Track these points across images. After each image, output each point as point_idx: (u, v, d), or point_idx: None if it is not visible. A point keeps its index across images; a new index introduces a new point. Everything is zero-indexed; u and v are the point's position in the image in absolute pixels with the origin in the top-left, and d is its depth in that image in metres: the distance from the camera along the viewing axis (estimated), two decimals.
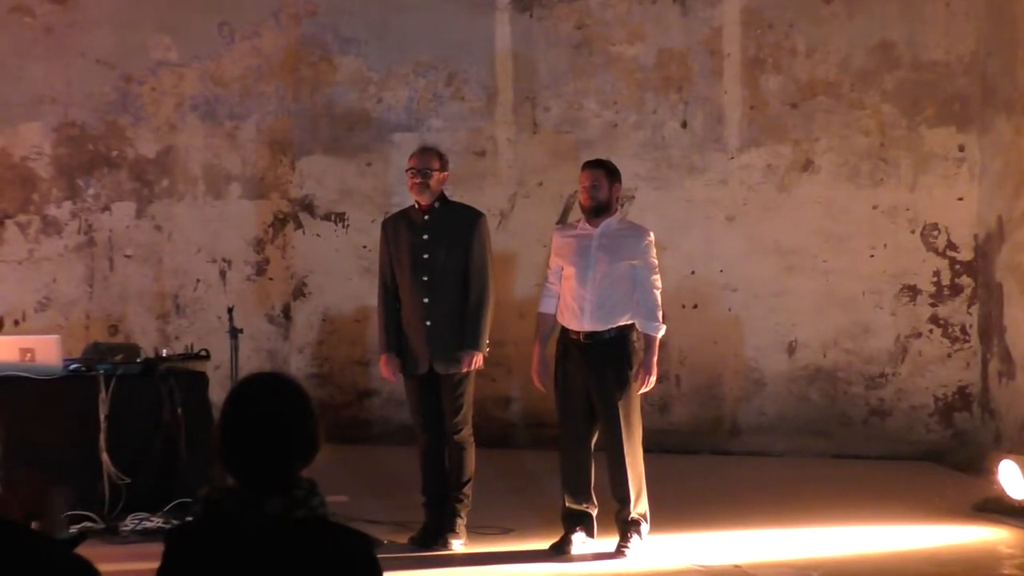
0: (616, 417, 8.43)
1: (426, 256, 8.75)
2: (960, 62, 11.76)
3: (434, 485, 8.88)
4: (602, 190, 8.54)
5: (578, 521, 8.59)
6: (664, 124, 12.32)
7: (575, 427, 8.58)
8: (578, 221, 8.84)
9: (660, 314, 8.58)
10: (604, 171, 8.64)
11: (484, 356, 8.80)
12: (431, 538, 8.72)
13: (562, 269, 8.63)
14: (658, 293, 8.56)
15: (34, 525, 3.67)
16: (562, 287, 8.65)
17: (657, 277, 8.59)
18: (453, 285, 8.72)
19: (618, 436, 8.44)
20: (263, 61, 12.95)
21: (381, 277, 8.99)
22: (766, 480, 10.87)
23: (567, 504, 8.64)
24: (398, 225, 8.97)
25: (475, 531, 8.96)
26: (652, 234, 8.74)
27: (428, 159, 8.90)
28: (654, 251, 8.61)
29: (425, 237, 8.78)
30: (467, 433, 8.92)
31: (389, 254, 8.92)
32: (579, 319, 8.50)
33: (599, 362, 8.46)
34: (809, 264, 12.01)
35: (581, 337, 8.50)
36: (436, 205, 8.84)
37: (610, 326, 8.47)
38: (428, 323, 8.73)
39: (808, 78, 12.05)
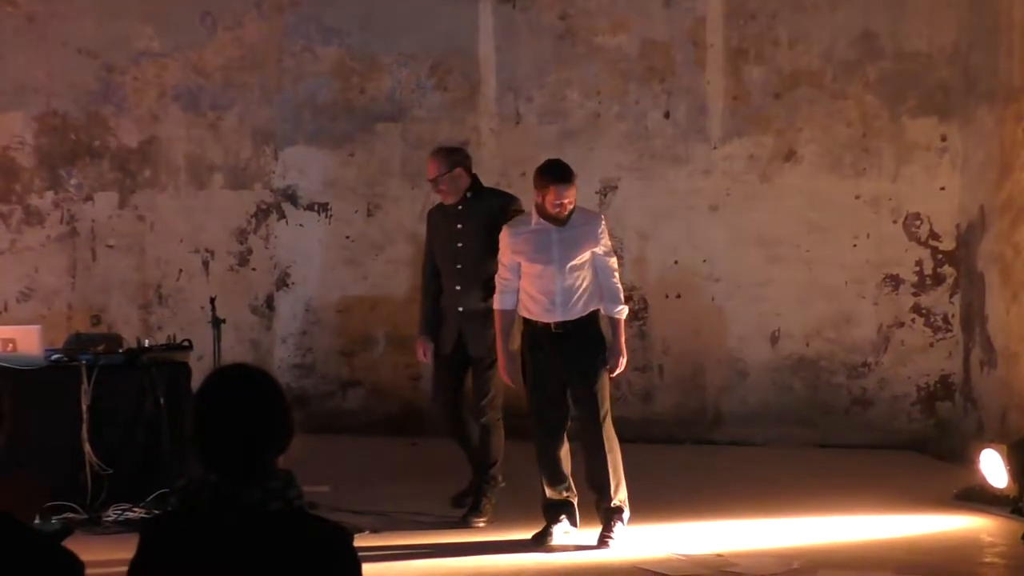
0: (593, 403, 8.48)
1: (459, 244, 9.12)
2: (942, 53, 11.78)
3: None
4: (573, 203, 8.56)
5: (560, 510, 8.61)
6: (647, 114, 12.32)
7: (550, 417, 8.58)
8: (528, 216, 8.74)
9: (622, 296, 8.70)
10: (575, 185, 8.59)
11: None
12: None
13: (519, 265, 8.59)
14: (617, 276, 8.69)
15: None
16: (523, 283, 8.61)
17: (614, 259, 8.75)
18: (486, 271, 8.97)
19: (596, 422, 8.47)
20: (246, 51, 12.93)
21: (424, 263, 9.50)
22: (749, 470, 10.89)
23: (548, 495, 8.65)
24: (437, 215, 9.38)
25: (449, 521, 9.02)
26: (603, 217, 8.90)
27: (433, 168, 9.20)
28: (607, 234, 8.69)
29: (459, 226, 9.13)
30: (494, 416, 9.20)
31: (431, 242, 9.39)
32: (550, 312, 8.50)
33: (571, 349, 8.49)
34: (792, 254, 12.03)
35: (552, 327, 8.50)
36: (468, 195, 9.15)
37: (581, 315, 8.51)
38: (460, 309, 9.13)
39: (791, 69, 12.06)
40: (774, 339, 12.08)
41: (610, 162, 12.33)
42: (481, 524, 9.02)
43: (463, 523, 9.00)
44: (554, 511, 8.61)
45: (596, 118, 12.41)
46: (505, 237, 8.67)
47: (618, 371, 8.62)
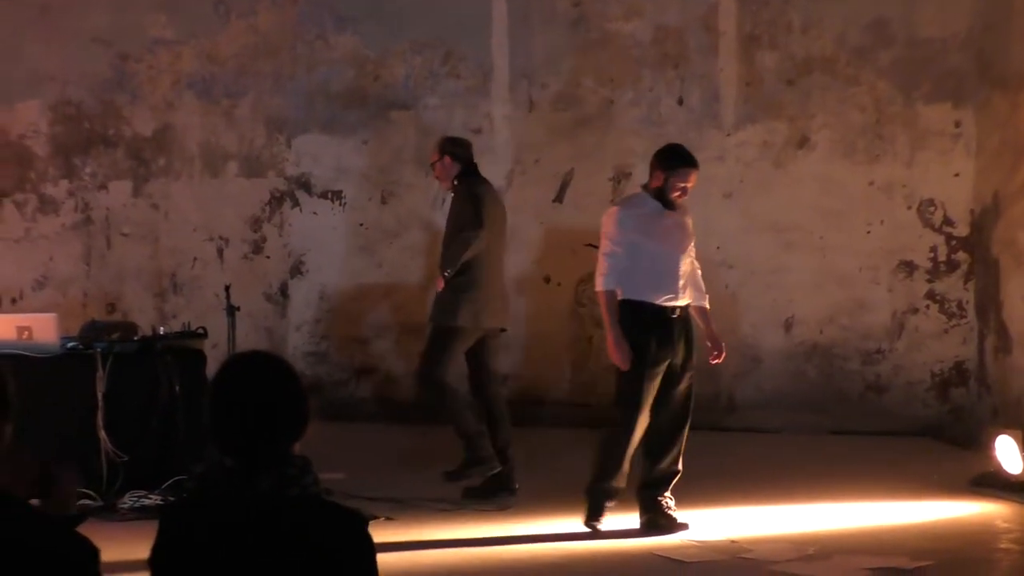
0: (690, 390, 8.55)
1: (446, 228, 9.62)
2: (955, 38, 11.76)
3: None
4: None
5: (616, 496, 8.58)
6: (660, 101, 12.31)
7: (651, 403, 8.51)
8: (635, 196, 8.71)
9: None
10: None
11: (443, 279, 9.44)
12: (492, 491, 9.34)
13: (637, 246, 8.47)
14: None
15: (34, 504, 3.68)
16: (641, 263, 8.45)
17: None
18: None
19: (688, 410, 8.54)
20: (260, 39, 12.94)
21: None
22: (763, 456, 10.89)
23: (616, 482, 8.56)
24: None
25: (464, 508, 9.05)
26: None
27: (432, 155, 9.79)
28: None
29: (448, 212, 9.67)
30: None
31: None
32: (673, 297, 8.47)
33: (680, 336, 8.48)
34: (806, 241, 12.02)
35: (676, 312, 8.49)
36: (455, 183, 9.60)
37: (687, 302, 8.56)
38: (440, 287, 9.50)
39: (804, 55, 12.05)
40: (788, 326, 12.08)
41: (624, 149, 12.32)
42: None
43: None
44: (613, 496, 8.55)
45: (610, 105, 12.41)
46: (620, 216, 8.54)
47: (722, 358, 8.64)
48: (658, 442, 8.56)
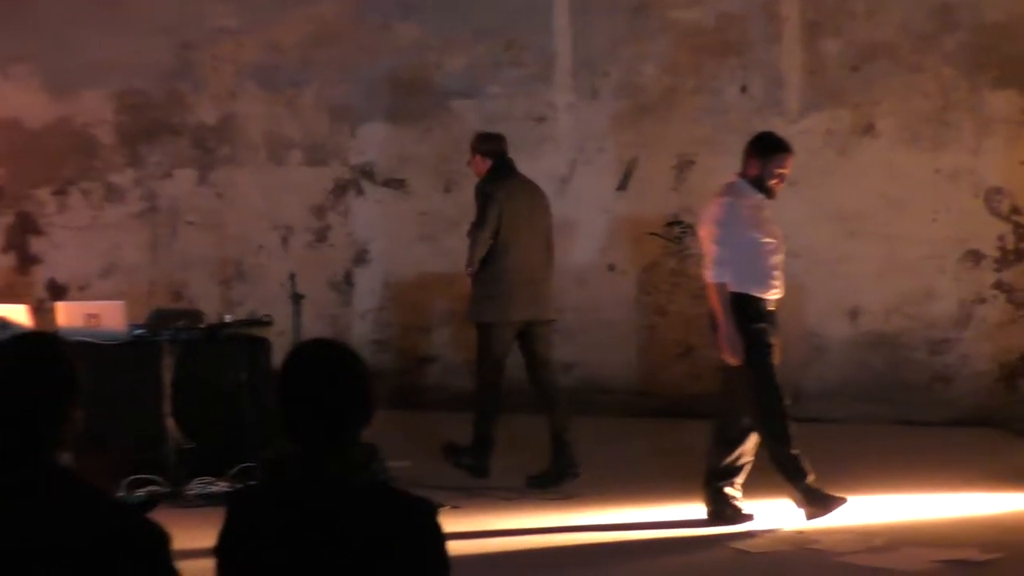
0: None
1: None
2: (1021, 23, 11.63)
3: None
4: None
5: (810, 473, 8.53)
6: (723, 89, 12.26)
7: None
8: (734, 186, 8.48)
9: None
10: None
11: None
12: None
13: (750, 237, 8.35)
14: None
15: None
16: (752, 256, 8.35)
17: None
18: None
19: None
20: (322, 28, 12.97)
21: None
22: (828, 446, 10.80)
23: (808, 476, 8.43)
24: None
25: (529, 496, 9.06)
26: None
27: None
28: None
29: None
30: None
31: None
32: (780, 288, 8.45)
33: (775, 326, 8.46)
34: (871, 229, 11.93)
35: (773, 304, 8.45)
36: (485, 177, 9.86)
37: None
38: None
39: (867, 41, 11.96)
40: (853, 315, 12.00)
41: (685, 138, 12.28)
42: None
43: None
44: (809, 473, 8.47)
45: (672, 93, 12.37)
46: (732, 207, 8.37)
47: None
48: (728, 432, 8.51)
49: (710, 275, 8.34)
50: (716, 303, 8.30)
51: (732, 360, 8.28)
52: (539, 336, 9.84)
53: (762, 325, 8.33)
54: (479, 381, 9.90)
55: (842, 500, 8.34)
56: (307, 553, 3.51)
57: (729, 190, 8.48)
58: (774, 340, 8.40)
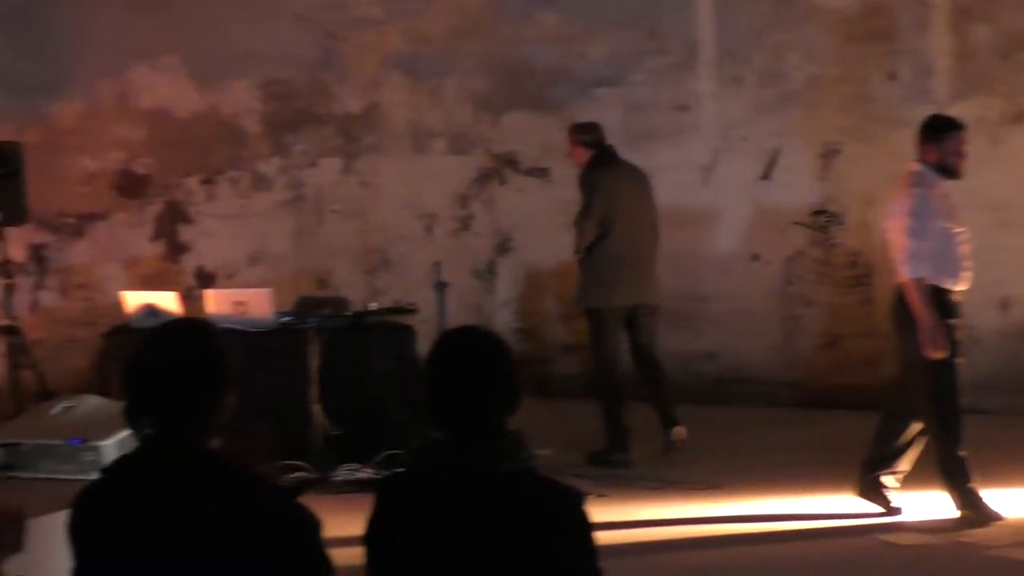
0: None
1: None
2: None
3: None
4: None
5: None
6: (870, 77, 12.10)
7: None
8: (918, 174, 8.23)
9: None
10: None
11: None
12: None
13: (943, 228, 8.11)
14: None
15: None
16: (945, 247, 8.11)
17: None
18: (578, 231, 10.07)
19: None
20: (465, 18, 13.02)
21: None
22: (979, 438, 10.63)
23: (969, 479, 8.28)
24: None
25: (672, 484, 9.04)
26: None
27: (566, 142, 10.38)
28: None
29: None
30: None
31: None
32: (968, 279, 8.24)
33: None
34: (1022, 219, 11.72)
35: (960, 297, 8.24)
36: (586, 167, 10.06)
37: None
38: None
39: (1018, 28, 11.73)
40: (1004, 306, 11.79)
41: (831, 126, 12.14)
42: None
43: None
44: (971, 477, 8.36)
45: (816, 81, 12.24)
46: (925, 198, 8.14)
47: None
48: (898, 424, 8.37)
49: (906, 271, 8.03)
50: (915, 298, 7.98)
51: (935, 355, 7.99)
52: (644, 321, 10.02)
53: (952, 321, 8.08)
54: (596, 369, 10.08)
55: (998, 517, 8.11)
56: (454, 540, 3.53)
57: (917, 180, 8.19)
58: (960, 336, 8.20)
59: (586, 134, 10.12)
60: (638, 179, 10.17)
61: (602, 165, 9.96)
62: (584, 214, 9.86)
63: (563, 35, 12.81)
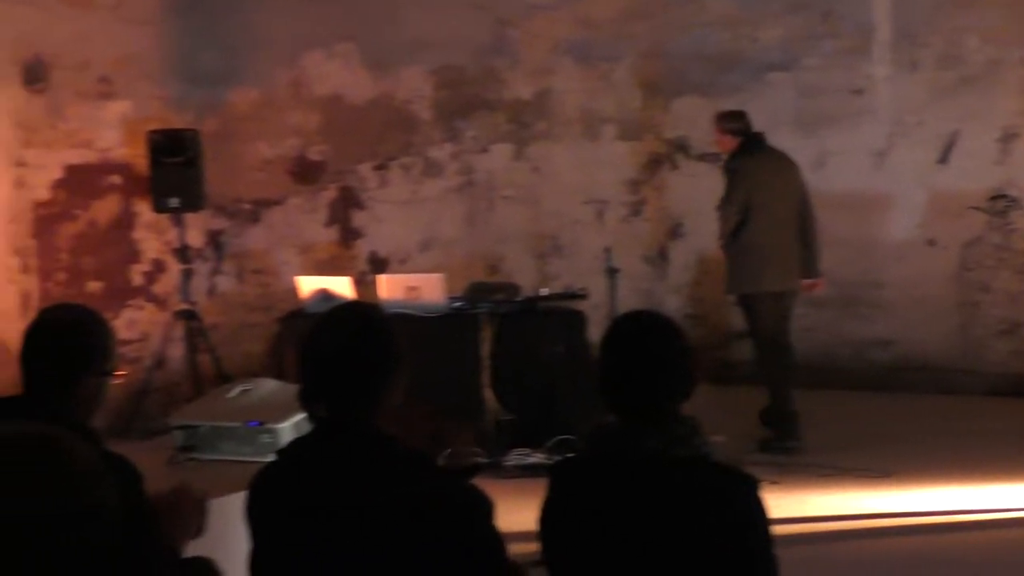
0: None
1: None
2: None
3: None
4: None
5: None
6: None
7: None
8: None
9: None
10: None
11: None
12: None
13: None
14: None
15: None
16: None
17: None
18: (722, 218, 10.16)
19: None
20: (635, 2, 12.97)
21: None
22: None
23: None
24: None
25: (846, 472, 8.93)
26: None
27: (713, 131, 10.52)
28: None
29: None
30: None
31: None
32: None
33: None
34: None
35: None
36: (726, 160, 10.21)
37: None
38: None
39: None
40: None
41: (1011, 110, 11.90)
42: None
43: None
44: None
45: (996, 64, 11.99)
46: None
47: None
48: None
49: None
50: None
51: None
52: (785, 305, 10.03)
53: None
54: (760, 355, 10.10)
55: None
56: (628, 525, 3.52)
57: None
58: None
59: (733, 122, 10.23)
60: (784, 166, 10.19)
61: (747, 153, 10.01)
62: (726, 201, 9.95)
63: (734, 19, 12.72)
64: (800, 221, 10.05)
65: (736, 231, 9.88)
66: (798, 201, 10.10)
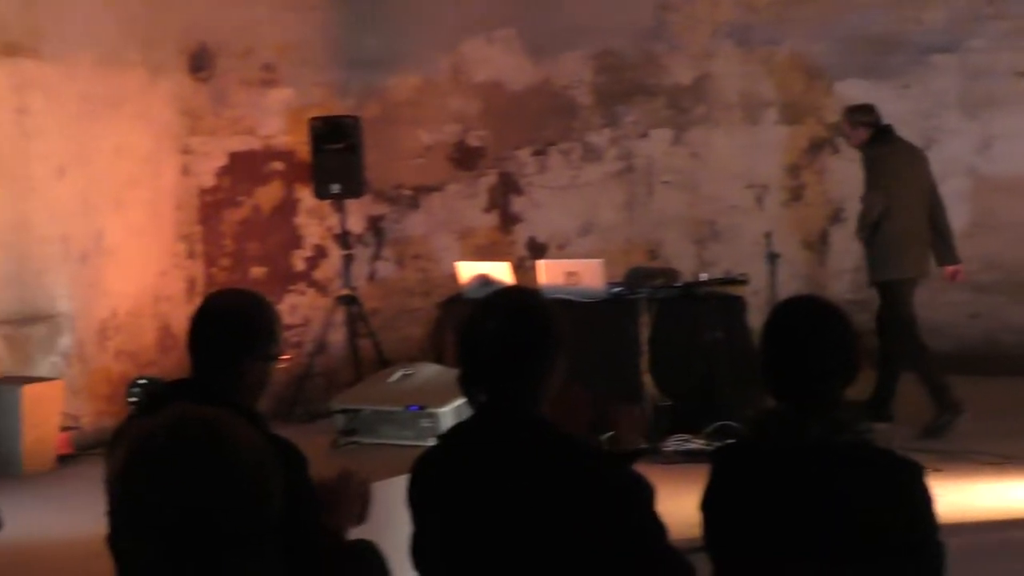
0: None
1: None
2: None
3: None
4: None
5: None
6: None
7: None
8: None
9: None
10: None
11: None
12: None
13: None
14: None
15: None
16: None
17: None
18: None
19: None
20: None
21: None
22: None
23: None
24: None
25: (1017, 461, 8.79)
26: None
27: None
28: None
29: None
30: None
31: None
32: None
33: None
34: None
35: None
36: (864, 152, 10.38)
37: None
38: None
39: None
40: None
41: None
42: None
43: None
44: None
45: None
46: None
47: None
48: None
49: None
50: None
51: None
52: (913, 292, 10.16)
53: None
54: (902, 343, 10.15)
55: None
56: (792, 510, 3.49)
57: None
58: None
59: (865, 115, 10.41)
60: (916, 157, 10.38)
61: (881, 143, 10.18)
62: (870, 189, 10.09)
63: (896, 1, 12.53)
64: (930, 210, 10.18)
65: (876, 221, 10.01)
66: (928, 190, 10.24)
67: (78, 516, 7.20)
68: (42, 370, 10.51)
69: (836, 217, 12.75)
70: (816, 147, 12.83)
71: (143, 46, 11.62)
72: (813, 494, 3.48)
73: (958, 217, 12.03)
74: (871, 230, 10.04)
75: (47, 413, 10.02)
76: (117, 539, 2.78)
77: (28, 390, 9.91)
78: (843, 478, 3.47)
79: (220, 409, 2.60)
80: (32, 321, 10.59)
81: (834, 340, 3.61)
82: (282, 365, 4.18)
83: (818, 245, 12.83)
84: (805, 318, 3.67)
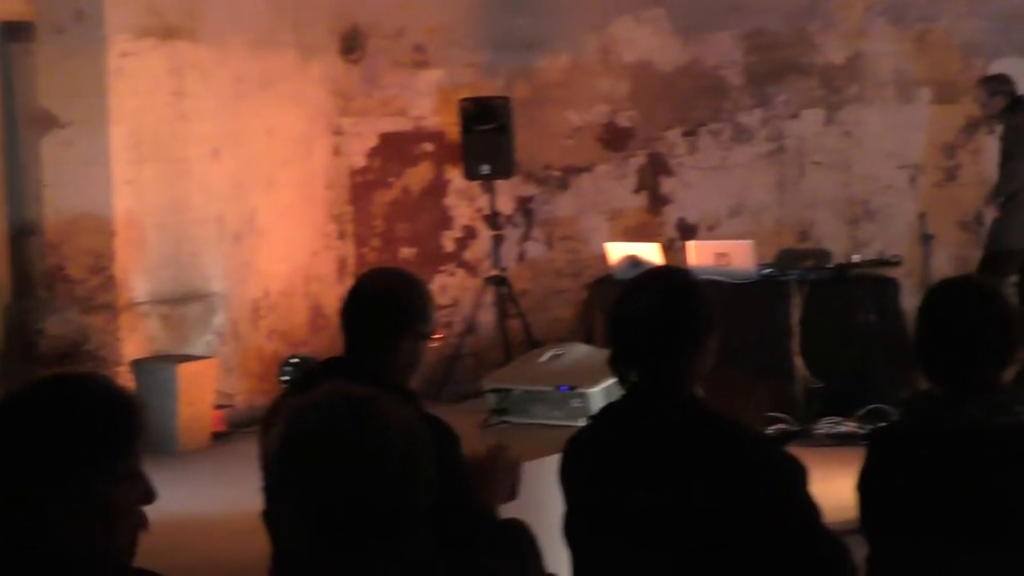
0: None
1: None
2: None
3: None
4: None
5: None
6: None
7: None
8: None
9: None
10: None
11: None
12: None
13: None
14: None
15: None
16: None
17: None
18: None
19: None
20: None
21: None
22: None
23: None
24: None
25: None
26: None
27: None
28: None
29: None
30: None
31: None
32: None
33: None
34: None
35: None
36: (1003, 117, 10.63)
37: None
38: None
39: None
40: None
41: None
42: None
43: None
44: None
45: None
46: None
47: None
48: None
49: None
50: None
51: None
52: None
53: None
54: None
55: None
56: (949, 495, 3.45)
57: None
58: None
59: (1002, 84, 10.66)
60: None
61: (1019, 112, 10.37)
62: (1011, 157, 10.29)
63: None
64: None
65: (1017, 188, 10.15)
66: None
67: (233, 492, 7.32)
68: (197, 349, 10.69)
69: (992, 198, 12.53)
70: (971, 127, 12.61)
71: (295, 28, 11.74)
72: (970, 477, 3.43)
73: None
74: (1009, 196, 10.15)
75: (202, 391, 10.18)
76: (273, 515, 2.82)
77: (183, 368, 10.08)
78: (1001, 461, 3.42)
79: (373, 388, 2.62)
80: (187, 300, 10.77)
81: (990, 322, 3.55)
82: (435, 344, 4.20)
83: (973, 226, 12.62)
84: (962, 300, 3.61)
